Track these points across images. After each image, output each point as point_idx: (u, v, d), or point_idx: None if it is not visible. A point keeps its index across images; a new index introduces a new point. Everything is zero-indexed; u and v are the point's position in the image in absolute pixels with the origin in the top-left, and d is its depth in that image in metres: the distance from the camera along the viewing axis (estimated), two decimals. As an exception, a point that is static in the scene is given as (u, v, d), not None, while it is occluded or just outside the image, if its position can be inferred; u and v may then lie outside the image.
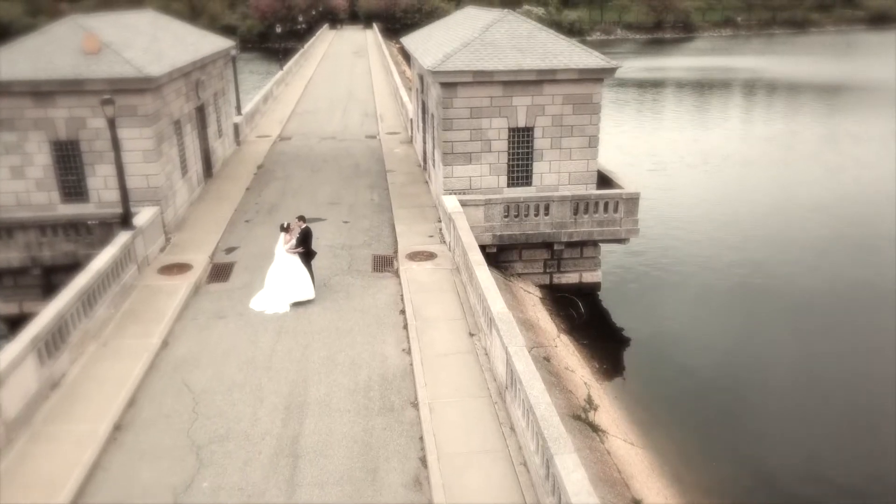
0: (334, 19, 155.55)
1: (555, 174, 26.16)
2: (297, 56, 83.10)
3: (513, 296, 24.35)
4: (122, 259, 20.74)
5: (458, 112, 24.99)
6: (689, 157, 49.37)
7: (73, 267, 23.56)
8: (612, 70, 24.90)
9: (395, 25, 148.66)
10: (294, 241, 20.18)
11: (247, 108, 44.94)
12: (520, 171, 26.13)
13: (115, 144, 21.29)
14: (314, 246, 21.47)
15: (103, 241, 23.20)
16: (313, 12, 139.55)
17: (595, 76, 24.94)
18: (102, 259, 19.59)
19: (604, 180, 27.42)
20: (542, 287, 26.66)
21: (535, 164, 25.99)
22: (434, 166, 28.77)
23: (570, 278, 27.01)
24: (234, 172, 34.07)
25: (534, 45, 25.42)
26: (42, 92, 23.12)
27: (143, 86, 23.35)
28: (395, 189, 31.01)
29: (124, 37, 26.16)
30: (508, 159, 25.89)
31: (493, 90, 24.82)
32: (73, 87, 23.08)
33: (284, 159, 36.86)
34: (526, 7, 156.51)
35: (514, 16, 27.01)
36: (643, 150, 50.75)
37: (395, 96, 55.26)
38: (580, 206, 25.55)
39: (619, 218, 25.78)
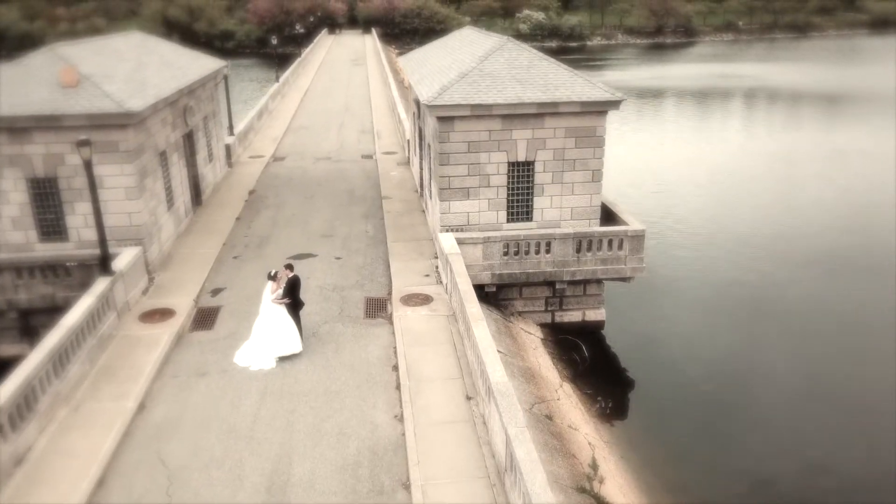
0: (333, 24, 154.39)
1: (556, 209, 25.02)
2: (294, 66, 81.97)
3: (513, 339, 23.22)
4: (99, 309, 19.59)
5: (456, 146, 23.85)
6: (693, 175, 48.24)
7: (51, 310, 22.52)
8: (616, 102, 23.75)
9: (395, 30, 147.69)
10: (281, 291, 19.04)
11: (240, 127, 43.80)
12: (520, 206, 24.99)
13: (93, 187, 20.14)
14: (302, 294, 20.36)
15: (83, 283, 22.13)
16: (311, 18, 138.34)
17: (598, 108, 23.80)
18: (76, 313, 18.44)
19: (608, 214, 26.29)
20: (543, 326, 25.52)
21: (535, 199, 24.85)
22: (431, 198, 27.63)
23: (572, 317, 25.87)
24: (224, 199, 32.94)
25: (534, 75, 24.27)
26: (18, 128, 21.99)
27: (123, 121, 22.22)
28: (390, 219, 29.86)
29: (106, 66, 25.02)
30: (508, 194, 24.74)
31: (491, 124, 23.68)
32: (50, 123, 21.95)
33: (277, 183, 35.73)
34: (526, 12, 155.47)
35: (513, 43, 25.85)
36: (645, 167, 49.60)
37: (393, 112, 54.13)
38: (583, 243, 24.42)
39: (623, 255, 24.64)
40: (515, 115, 23.59)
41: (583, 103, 23.52)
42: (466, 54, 27.42)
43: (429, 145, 27.14)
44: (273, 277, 19.06)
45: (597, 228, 24.59)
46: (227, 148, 38.51)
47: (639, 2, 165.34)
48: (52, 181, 22.82)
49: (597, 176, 24.76)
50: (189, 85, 29.03)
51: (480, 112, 23.33)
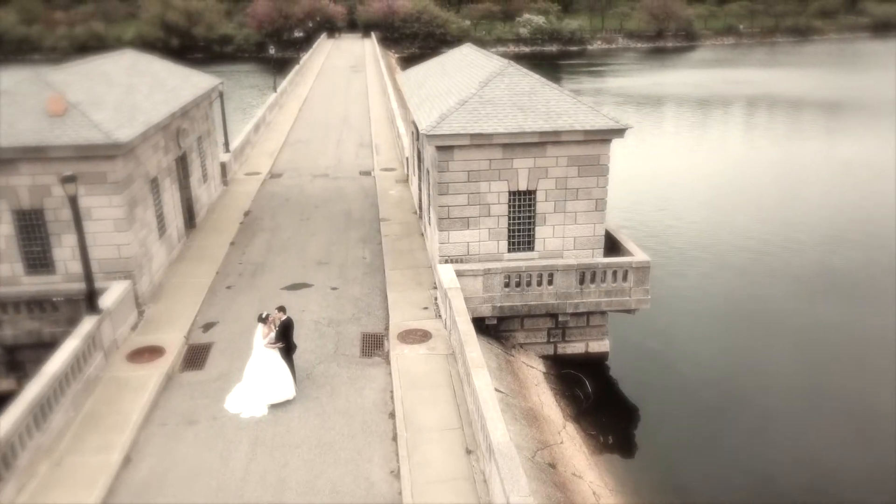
0: (332, 28, 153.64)
1: (559, 239, 24.29)
2: (292, 73, 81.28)
3: (514, 375, 22.50)
4: (84, 351, 18.87)
5: (455, 176, 23.13)
6: (696, 190, 47.53)
7: (38, 346, 21.85)
8: (620, 131, 23.02)
9: (394, 35, 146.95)
10: (273, 335, 18.31)
11: (236, 142, 43.08)
12: (521, 235, 24.27)
13: (78, 223, 19.40)
14: (297, 329, 19.68)
15: (70, 318, 21.45)
16: (310, 23, 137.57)
17: (602, 137, 23.07)
18: (60, 358, 17.71)
19: (611, 242, 25.58)
20: (545, 358, 24.81)
21: (537, 228, 24.12)
22: (430, 224, 26.91)
23: (575, 348, 25.16)
24: (219, 221, 32.21)
25: (536, 102, 23.55)
26: (3, 159, 21.27)
27: (111, 152, 21.49)
28: (388, 243, 29.14)
29: (94, 92, 24.29)
30: (509, 223, 24.03)
31: (492, 153, 22.95)
32: (36, 155, 21.24)
33: (274, 204, 35.01)
34: (526, 16, 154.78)
35: (514, 68, 25.11)
36: (648, 185, 48.87)
37: (392, 123, 53.40)
38: (586, 275, 23.71)
39: (628, 287, 23.93)
40: (517, 144, 22.88)
41: (586, 132, 22.80)
42: (466, 78, 26.69)
43: (427, 171, 26.43)
44: (264, 320, 18.35)
45: (600, 260, 23.87)
46: (223, 166, 37.80)
47: (639, 5, 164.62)
48: (39, 213, 22.12)
49: (600, 205, 24.04)
50: (182, 107, 28.32)
51: (481, 141, 22.61)
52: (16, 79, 24.23)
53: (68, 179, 18.72)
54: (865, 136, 63.28)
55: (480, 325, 23.64)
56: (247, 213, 33.48)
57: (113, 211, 22.22)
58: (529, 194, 23.73)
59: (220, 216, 32.97)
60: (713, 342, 27.54)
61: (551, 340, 25.02)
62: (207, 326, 22.66)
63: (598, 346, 25.25)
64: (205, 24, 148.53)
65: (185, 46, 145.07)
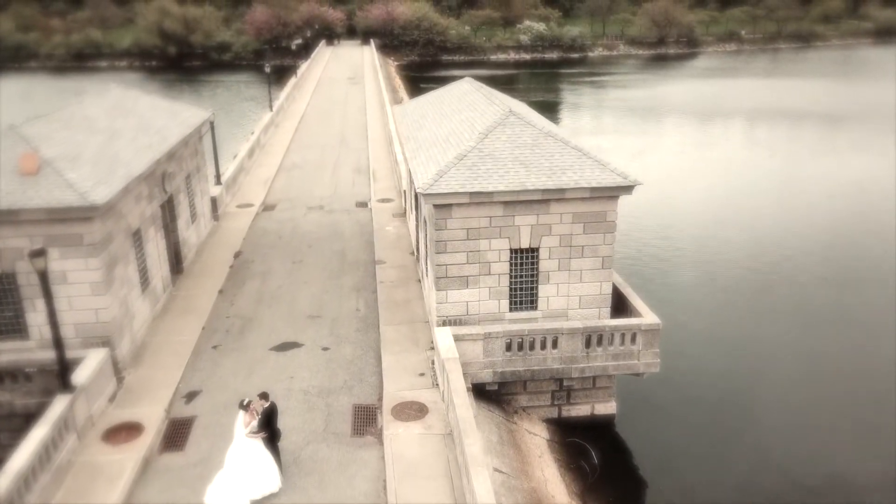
0: (331, 35, 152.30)
1: (563, 297, 22.99)
2: (289, 87, 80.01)
3: (516, 448, 21.18)
4: (55, 437, 17.56)
5: (453, 234, 21.83)
6: (703, 220, 46.21)
7: (10, 417, 20.60)
8: (629, 188, 21.71)
9: (394, 42, 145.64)
10: (255, 424, 17.00)
11: (229, 171, 41.77)
12: (524, 294, 22.97)
13: (49, 298, 18.09)
14: (285, 399, 18.54)
15: (44, 389, 20.15)
16: (308, 32, 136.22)
17: (610, 194, 21.75)
18: (26, 451, 16.38)
19: (619, 299, 24.26)
20: (549, 422, 23.53)
21: (540, 286, 22.82)
22: (427, 275, 25.60)
23: (580, 410, 23.88)
24: (207, 265, 30.88)
25: (539, 156, 22.22)
26: (-28, 222, 19.98)
27: (87, 214, 20.19)
28: (384, 291, 27.82)
29: (73, 144, 22.95)
30: (511, 282, 22.74)
31: (493, 210, 21.65)
32: (7, 218, 19.93)
33: (265, 242, 33.68)
34: (527, 23, 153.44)
35: (515, 118, 23.75)
36: (653, 214, 47.52)
37: (390, 145, 52.06)
38: (593, 338, 22.39)
39: (637, 350, 22.62)
40: (519, 202, 21.57)
41: (592, 189, 21.49)
42: (465, 124, 25.34)
43: (425, 221, 25.12)
44: (245, 407, 17.04)
45: (608, 322, 22.54)
46: (213, 200, 36.49)
47: (641, 11, 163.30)
48: (11, 277, 20.80)
49: (607, 262, 22.73)
50: (169, 151, 27.03)
51: (481, 199, 21.31)
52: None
53: (37, 254, 17.41)
54: (879, 150, 61.97)
55: (481, 390, 22.37)
56: (237, 255, 32.16)
57: (90, 274, 20.91)
58: (532, 252, 22.44)
59: (209, 258, 31.65)
60: (725, 398, 26.21)
61: (555, 403, 23.74)
62: (190, 396, 21.32)
63: (604, 408, 23.96)
64: (202, 32, 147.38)
65: (182, 54, 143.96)
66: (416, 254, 31.09)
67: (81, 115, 25.99)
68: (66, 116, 25.16)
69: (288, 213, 38.12)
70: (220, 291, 28.32)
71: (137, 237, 24.35)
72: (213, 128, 38.15)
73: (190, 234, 31.29)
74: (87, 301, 21.18)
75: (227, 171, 41.83)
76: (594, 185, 21.39)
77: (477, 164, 21.85)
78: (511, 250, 22.31)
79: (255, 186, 43.29)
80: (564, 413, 23.82)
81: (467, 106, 27.84)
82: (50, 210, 19.89)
